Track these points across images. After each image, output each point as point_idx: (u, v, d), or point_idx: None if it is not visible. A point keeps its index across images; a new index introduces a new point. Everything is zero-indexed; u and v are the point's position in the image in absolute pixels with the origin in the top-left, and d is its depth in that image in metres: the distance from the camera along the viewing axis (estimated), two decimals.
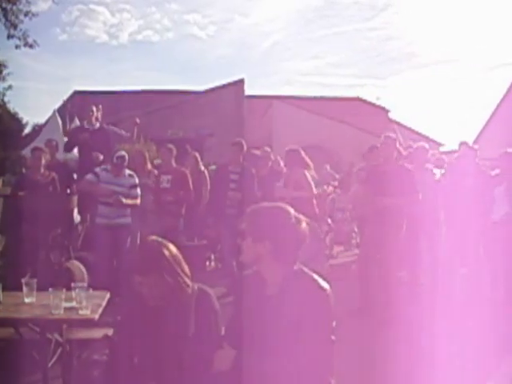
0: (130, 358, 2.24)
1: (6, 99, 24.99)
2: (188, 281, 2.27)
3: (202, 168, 7.87)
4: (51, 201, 5.78)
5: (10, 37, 17.28)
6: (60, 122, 10.54)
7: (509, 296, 5.29)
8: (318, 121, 19.04)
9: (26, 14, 17.33)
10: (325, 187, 8.20)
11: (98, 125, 7.22)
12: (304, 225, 2.12)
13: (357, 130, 18.69)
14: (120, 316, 2.43)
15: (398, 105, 59.33)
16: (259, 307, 2.11)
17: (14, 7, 17.24)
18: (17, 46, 17.49)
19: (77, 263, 4.59)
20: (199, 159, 7.95)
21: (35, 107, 51.39)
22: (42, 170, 5.97)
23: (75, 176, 7.04)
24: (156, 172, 6.77)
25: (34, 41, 17.54)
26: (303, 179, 5.98)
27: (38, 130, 21.98)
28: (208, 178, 7.64)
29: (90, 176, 5.79)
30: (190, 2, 53.00)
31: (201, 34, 50.84)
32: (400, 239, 5.22)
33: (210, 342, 2.19)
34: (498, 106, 20.64)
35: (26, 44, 17.46)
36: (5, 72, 21.02)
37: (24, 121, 29.41)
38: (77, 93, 20.76)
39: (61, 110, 11.52)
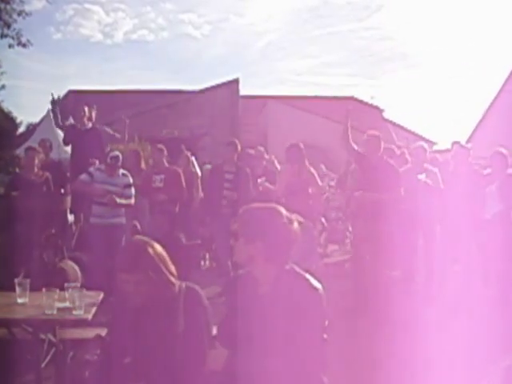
0: (121, 358, 2.24)
1: None
2: (173, 279, 2.27)
3: (193, 169, 7.92)
4: (45, 201, 5.77)
5: (3, 36, 17.28)
6: (52, 115, 10.47)
7: (501, 293, 5.34)
8: (312, 120, 19.01)
9: (19, 14, 17.31)
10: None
11: (90, 125, 7.20)
12: (296, 225, 2.13)
13: (351, 129, 18.65)
14: (111, 315, 2.43)
15: (392, 104, 59.50)
16: (251, 307, 2.11)
17: (8, 6, 17.22)
18: (10, 46, 17.48)
19: (70, 263, 4.59)
20: (191, 159, 7.99)
21: (29, 106, 51.31)
22: (36, 170, 5.95)
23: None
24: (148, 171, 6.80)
25: (28, 40, 17.54)
26: (312, 177, 5.99)
27: (31, 129, 21.93)
28: (199, 178, 7.68)
29: (84, 176, 5.78)
30: (185, 1, 53.04)
31: (196, 33, 51.05)
32: (389, 235, 5.26)
33: (200, 339, 2.19)
34: (491, 105, 20.71)
35: (20, 43, 17.44)
36: None
37: (18, 120, 29.31)
38: (71, 92, 20.71)
39: (53, 105, 11.48)
